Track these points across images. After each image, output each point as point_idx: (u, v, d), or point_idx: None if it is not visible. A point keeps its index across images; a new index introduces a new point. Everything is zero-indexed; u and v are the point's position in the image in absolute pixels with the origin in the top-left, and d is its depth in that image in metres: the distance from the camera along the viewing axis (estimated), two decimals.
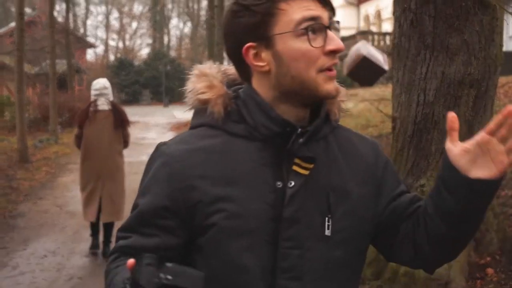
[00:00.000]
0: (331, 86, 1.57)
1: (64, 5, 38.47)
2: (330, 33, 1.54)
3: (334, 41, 1.54)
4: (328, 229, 1.60)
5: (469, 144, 1.53)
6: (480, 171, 1.51)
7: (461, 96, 5.29)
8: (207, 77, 1.68)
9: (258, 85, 1.63)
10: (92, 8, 76.99)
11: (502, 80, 18.59)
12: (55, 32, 24.57)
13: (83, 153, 7.81)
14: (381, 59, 29.27)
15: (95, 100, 7.70)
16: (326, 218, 1.60)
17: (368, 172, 1.73)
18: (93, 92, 7.76)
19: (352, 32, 45.73)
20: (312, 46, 1.53)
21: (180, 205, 1.59)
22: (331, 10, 1.58)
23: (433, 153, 5.42)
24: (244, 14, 1.57)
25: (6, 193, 11.86)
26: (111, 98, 7.83)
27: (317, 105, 1.66)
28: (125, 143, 7.96)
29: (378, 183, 1.74)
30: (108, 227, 7.67)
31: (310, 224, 1.59)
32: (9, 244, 8.17)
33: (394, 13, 5.69)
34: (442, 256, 1.73)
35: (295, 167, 1.58)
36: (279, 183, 1.58)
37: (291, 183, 1.57)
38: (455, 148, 1.54)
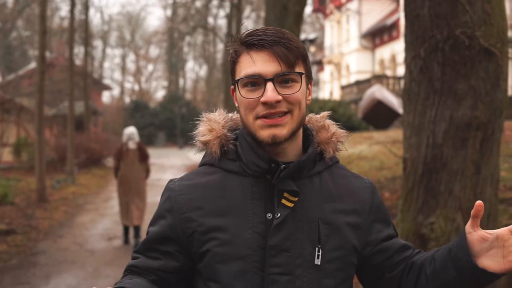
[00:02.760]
0: (266, 132, 1.77)
1: (82, 48, 39.20)
2: (268, 86, 1.74)
3: (266, 93, 1.73)
4: (318, 258, 1.79)
5: (489, 233, 1.73)
6: (490, 262, 1.71)
7: (468, 139, 5.55)
8: (210, 122, 1.94)
9: None
10: (109, 50, 78.10)
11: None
12: (73, 75, 25.08)
13: (119, 179, 11.18)
14: (395, 103, 29.78)
15: (127, 142, 10.99)
16: (317, 248, 1.80)
17: (361, 205, 1.91)
18: (124, 136, 11.10)
19: (367, 76, 46.15)
20: (246, 98, 1.78)
21: (180, 234, 1.86)
22: (287, 63, 1.76)
23: (442, 192, 5.66)
24: (230, 60, 1.86)
25: (26, 232, 12.12)
26: (137, 139, 11.10)
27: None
28: (147, 172, 11.27)
29: (371, 219, 1.92)
30: (136, 228, 10.97)
31: (300, 253, 1.79)
32: (31, 279, 8.42)
33: (405, 60, 5.98)
34: None
35: (283, 200, 1.80)
36: (269, 215, 1.80)
37: (277, 215, 1.78)
38: (475, 233, 1.75)
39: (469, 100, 5.50)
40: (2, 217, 13.62)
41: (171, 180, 1.97)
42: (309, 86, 1.90)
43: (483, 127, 5.55)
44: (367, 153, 18.92)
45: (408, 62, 5.88)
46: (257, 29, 1.81)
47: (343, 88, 47.24)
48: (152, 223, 1.94)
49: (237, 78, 1.81)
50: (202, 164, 1.96)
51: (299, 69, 1.80)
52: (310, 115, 2.01)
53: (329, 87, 59.84)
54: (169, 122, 59.55)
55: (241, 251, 1.79)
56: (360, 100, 31.89)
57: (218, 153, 1.90)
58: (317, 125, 1.96)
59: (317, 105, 33.83)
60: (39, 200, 16.63)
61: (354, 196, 1.91)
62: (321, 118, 2.00)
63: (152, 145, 55.36)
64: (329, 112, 2.03)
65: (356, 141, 22.88)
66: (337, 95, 51.81)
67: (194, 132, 1.96)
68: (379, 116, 27.12)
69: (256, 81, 1.77)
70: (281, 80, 1.76)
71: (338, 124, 2.00)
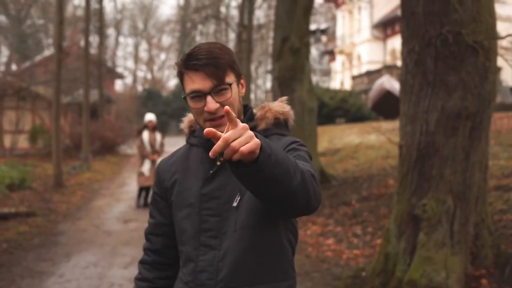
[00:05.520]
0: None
1: (96, 37, 39.70)
2: (208, 98, 2.28)
3: (208, 105, 2.28)
4: (235, 202, 2.35)
5: None
6: None
7: (458, 127, 6.05)
8: (189, 115, 2.63)
9: None
10: (122, 39, 78.59)
11: None
12: (88, 64, 25.60)
13: (139, 153, 14.34)
14: None
15: (147, 124, 14.38)
16: (237, 195, 2.35)
17: None
18: (145, 119, 14.51)
19: (378, 66, 46.36)
20: (194, 107, 2.34)
21: (162, 192, 2.58)
22: (217, 79, 2.28)
23: (434, 176, 6.16)
24: (178, 78, 2.44)
25: (46, 214, 12.70)
26: (155, 122, 14.57)
27: None
28: (163, 146, 14.59)
29: None
30: (149, 189, 14.16)
31: (228, 200, 2.36)
32: (53, 257, 8.97)
33: (401, 54, 6.47)
34: None
35: (218, 162, 2.41)
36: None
37: (211, 171, 2.41)
38: None
39: (459, 91, 5.99)
40: (21, 200, 14.22)
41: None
42: (241, 81, 2.45)
43: (472, 116, 6.05)
44: (374, 142, 19.39)
45: (404, 56, 6.38)
46: (194, 51, 2.35)
47: (354, 78, 47.56)
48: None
49: (186, 92, 2.37)
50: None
51: (229, 78, 2.33)
52: (267, 103, 2.56)
53: (340, 77, 60.15)
54: (181, 111, 59.84)
55: (189, 200, 2.44)
56: (370, 90, 32.26)
57: (187, 132, 2.60)
58: (260, 107, 2.54)
59: (328, 95, 34.22)
60: (56, 185, 17.19)
61: None
62: (273, 102, 2.55)
63: (165, 133, 55.67)
64: (284, 97, 2.58)
65: (365, 130, 23.34)
66: (348, 85, 52.14)
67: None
68: (388, 106, 27.54)
69: (198, 95, 2.32)
70: (216, 91, 2.32)
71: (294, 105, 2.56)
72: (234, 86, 2.36)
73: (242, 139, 1.82)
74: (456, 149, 6.09)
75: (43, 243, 9.99)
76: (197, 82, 2.30)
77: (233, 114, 1.83)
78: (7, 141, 27.70)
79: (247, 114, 2.50)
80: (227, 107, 1.82)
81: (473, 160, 6.16)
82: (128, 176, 21.26)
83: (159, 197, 2.58)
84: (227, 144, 1.80)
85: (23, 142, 28.45)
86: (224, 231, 2.35)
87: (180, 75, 2.38)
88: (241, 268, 2.33)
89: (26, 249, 9.51)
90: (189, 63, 2.32)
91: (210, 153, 1.82)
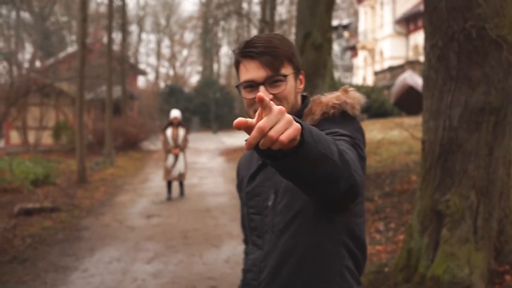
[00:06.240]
0: None
1: (119, 34, 39.91)
2: (260, 88, 2.18)
3: (257, 94, 2.15)
4: (270, 201, 2.29)
5: None
6: None
7: (482, 122, 6.01)
8: None
9: None
10: (144, 36, 78.88)
11: None
12: (111, 60, 25.73)
13: (163, 148, 15.10)
14: None
15: (172, 120, 14.96)
16: (272, 192, 2.28)
17: None
18: (171, 116, 15.05)
19: (400, 62, 46.13)
20: (246, 98, 2.25)
21: (239, 184, 2.62)
22: (272, 69, 2.18)
23: (457, 172, 6.12)
24: (234, 67, 2.35)
25: (69, 209, 12.82)
26: (179, 118, 15.14)
27: None
28: (186, 141, 15.11)
29: None
30: (182, 183, 15.18)
31: (267, 197, 2.30)
32: (77, 251, 9.06)
33: (424, 49, 6.44)
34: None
35: (259, 161, 2.40)
36: None
37: (254, 170, 2.41)
38: None
39: (483, 86, 5.95)
40: (46, 196, 14.35)
41: None
42: (300, 76, 2.33)
43: (496, 111, 6.00)
44: (397, 138, 19.31)
45: (427, 51, 6.34)
46: (252, 39, 2.25)
47: (376, 73, 47.38)
48: None
49: (239, 82, 2.28)
50: None
51: (285, 70, 2.21)
52: (318, 95, 2.40)
53: (362, 72, 59.97)
54: (203, 107, 60.10)
55: (244, 198, 2.46)
56: (392, 86, 32.12)
57: None
58: (311, 100, 2.38)
59: None
60: (80, 180, 17.33)
61: None
62: (329, 93, 2.37)
63: (188, 129, 55.78)
64: (347, 85, 2.42)
65: (388, 126, 23.25)
66: (370, 81, 51.95)
67: None
68: (410, 101, 27.42)
69: (251, 85, 2.20)
70: (270, 82, 2.21)
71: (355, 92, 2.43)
72: (291, 79, 2.24)
73: (280, 126, 1.54)
74: (480, 144, 6.04)
75: (67, 238, 10.09)
76: (251, 72, 2.20)
77: (267, 100, 1.56)
78: (31, 137, 27.97)
79: (300, 108, 2.34)
80: (260, 93, 1.55)
81: (496, 155, 6.12)
82: (151, 172, 21.36)
83: (239, 188, 2.62)
84: (263, 134, 1.53)
85: (47, 138, 28.72)
86: (265, 231, 2.28)
87: (236, 64, 2.28)
88: (279, 272, 2.22)
89: (50, 244, 9.61)
90: (245, 50, 2.22)
91: (245, 145, 1.58)
